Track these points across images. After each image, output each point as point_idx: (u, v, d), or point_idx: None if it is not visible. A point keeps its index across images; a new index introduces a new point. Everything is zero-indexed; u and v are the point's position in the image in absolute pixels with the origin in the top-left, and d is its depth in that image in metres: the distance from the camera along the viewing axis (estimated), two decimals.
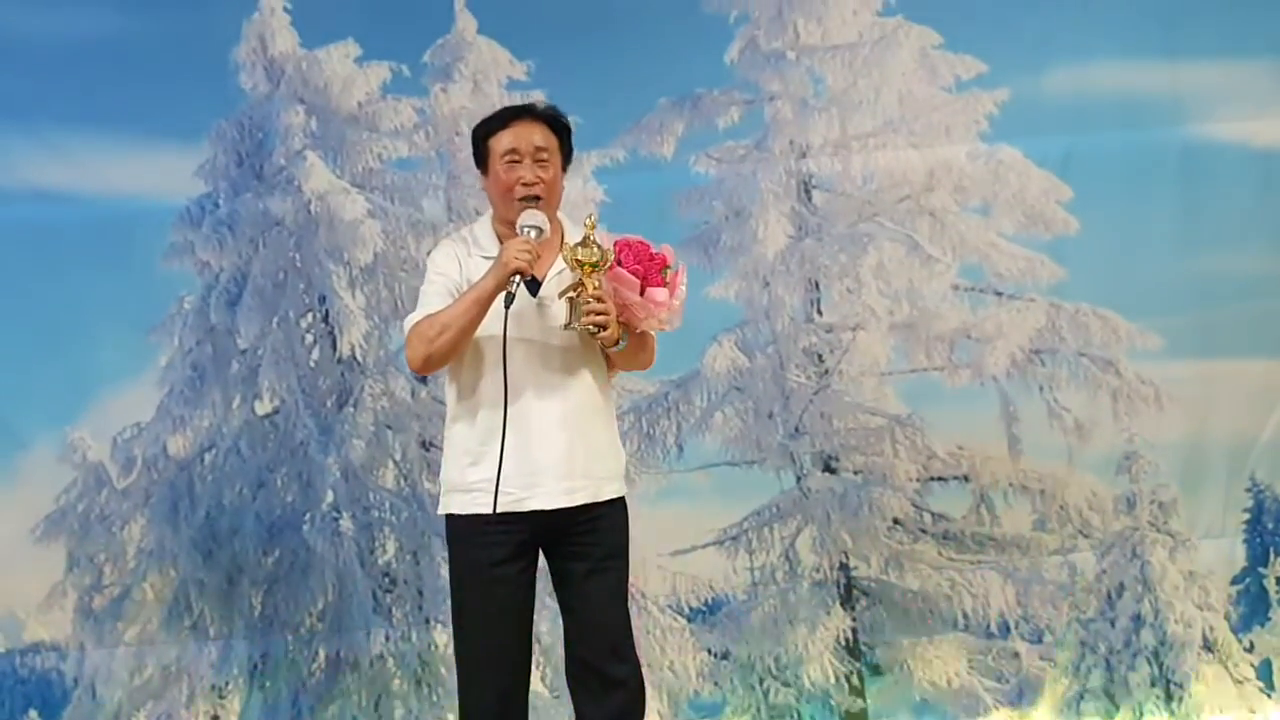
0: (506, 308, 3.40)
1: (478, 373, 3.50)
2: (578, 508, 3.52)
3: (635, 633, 3.63)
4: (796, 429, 5.78)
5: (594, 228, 3.44)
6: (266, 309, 5.81)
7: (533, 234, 3.45)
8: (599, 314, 3.43)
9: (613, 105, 5.68)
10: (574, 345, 3.51)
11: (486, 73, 5.84)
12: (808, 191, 5.85)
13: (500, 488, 3.42)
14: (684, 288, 3.51)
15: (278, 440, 5.80)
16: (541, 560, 3.62)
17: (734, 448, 5.81)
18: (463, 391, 3.54)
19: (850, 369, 5.78)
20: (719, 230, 5.85)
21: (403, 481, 5.82)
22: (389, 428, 5.82)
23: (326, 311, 5.83)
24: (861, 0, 5.81)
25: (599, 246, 3.44)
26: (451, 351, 3.45)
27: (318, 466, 5.75)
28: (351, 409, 5.80)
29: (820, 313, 5.83)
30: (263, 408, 5.82)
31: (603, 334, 3.45)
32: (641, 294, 3.45)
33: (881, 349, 5.75)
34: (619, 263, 3.45)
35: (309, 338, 5.87)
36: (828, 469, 5.80)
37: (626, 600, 3.59)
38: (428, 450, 5.80)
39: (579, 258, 3.42)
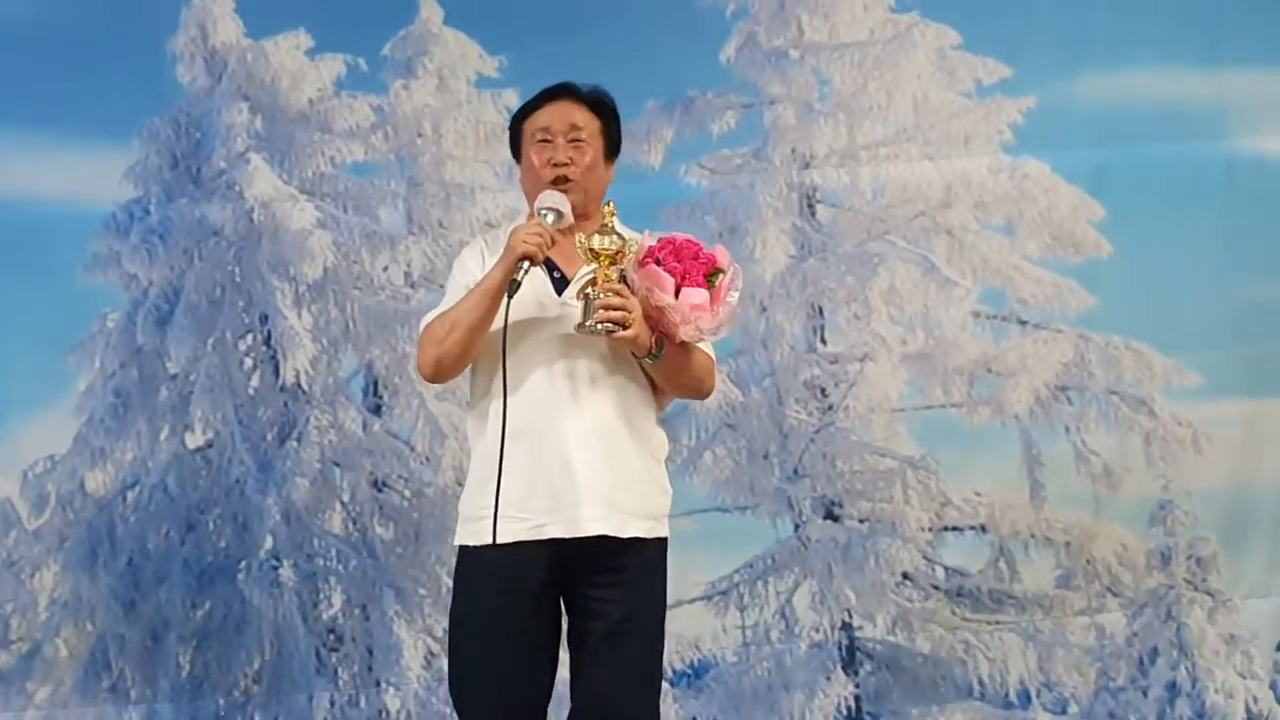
0: (509, 297, 3.14)
1: (491, 378, 3.26)
2: (595, 542, 3.19)
3: None
4: (795, 471, 5.57)
5: (614, 214, 3.22)
6: (201, 329, 5.55)
7: (549, 216, 3.22)
8: (614, 309, 3.15)
9: None
10: (605, 357, 3.24)
11: (453, 68, 5.60)
12: (811, 206, 5.64)
13: (500, 513, 3.19)
14: (735, 295, 3.23)
15: (210, 477, 5.53)
16: None
17: (725, 491, 5.58)
18: (478, 401, 3.34)
19: (857, 405, 5.56)
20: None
21: (351, 526, 5.56)
22: (337, 465, 5.56)
23: (268, 333, 5.59)
24: None
25: (620, 235, 3.18)
26: (463, 354, 3.24)
27: (255, 508, 5.49)
28: (295, 443, 5.53)
29: (824, 341, 5.61)
30: (194, 440, 5.55)
31: (622, 333, 3.15)
32: (676, 295, 3.18)
33: (892, 382, 5.53)
34: (656, 261, 3.19)
35: (248, 362, 5.61)
36: (830, 516, 5.58)
37: (651, 676, 3.28)
38: (380, 491, 5.56)
39: (594, 246, 3.18)
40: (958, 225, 5.56)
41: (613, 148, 3.39)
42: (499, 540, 3.19)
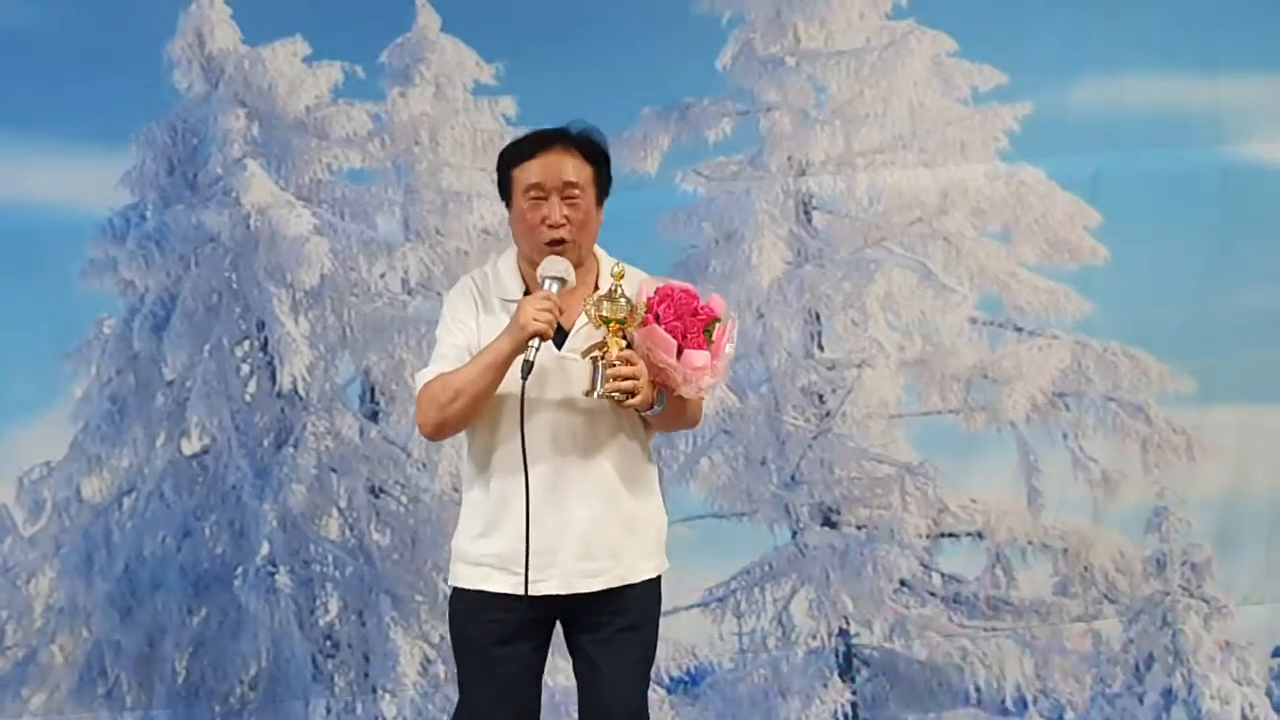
0: (524, 377, 3.14)
1: (493, 435, 3.30)
2: (601, 591, 3.28)
3: None
4: (792, 478, 5.53)
5: (622, 277, 3.19)
6: (197, 335, 5.50)
7: (554, 287, 3.21)
8: (625, 379, 3.15)
9: (591, 115, 5.16)
10: (605, 409, 3.24)
11: (450, 75, 5.54)
12: (807, 213, 5.60)
13: (516, 566, 3.28)
14: (731, 346, 3.23)
15: (207, 483, 5.48)
16: None
17: (721, 498, 5.54)
18: (477, 454, 3.37)
19: (854, 411, 5.52)
20: (707, 255, 5.57)
21: (348, 532, 5.52)
22: (333, 471, 5.52)
23: (265, 339, 5.53)
24: (869, 2, 5.56)
25: (626, 300, 3.16)
26: (465, 420, 3.28)
27: (252, 514, 5.44)
28: (291, 449, 5.49)
29: (821, 348, 5.57)
30: (190, 446, 5.49)
31: (631, 401, 3.16)
32: (678, 356, 3.17)
33: (890, 389, 5.50)
34: (656, 318, 3.17)
35: (245, 368, 5.56)
36: (827, 523, 5.54)
37: (647, 677, 3.40)
38: (377, 497, 5.52)
39: (603, 314, 3.16)
40: (954, 232, 5.53)
41: (604, 192, 3.37)
42: (498, 591, 3.26)
